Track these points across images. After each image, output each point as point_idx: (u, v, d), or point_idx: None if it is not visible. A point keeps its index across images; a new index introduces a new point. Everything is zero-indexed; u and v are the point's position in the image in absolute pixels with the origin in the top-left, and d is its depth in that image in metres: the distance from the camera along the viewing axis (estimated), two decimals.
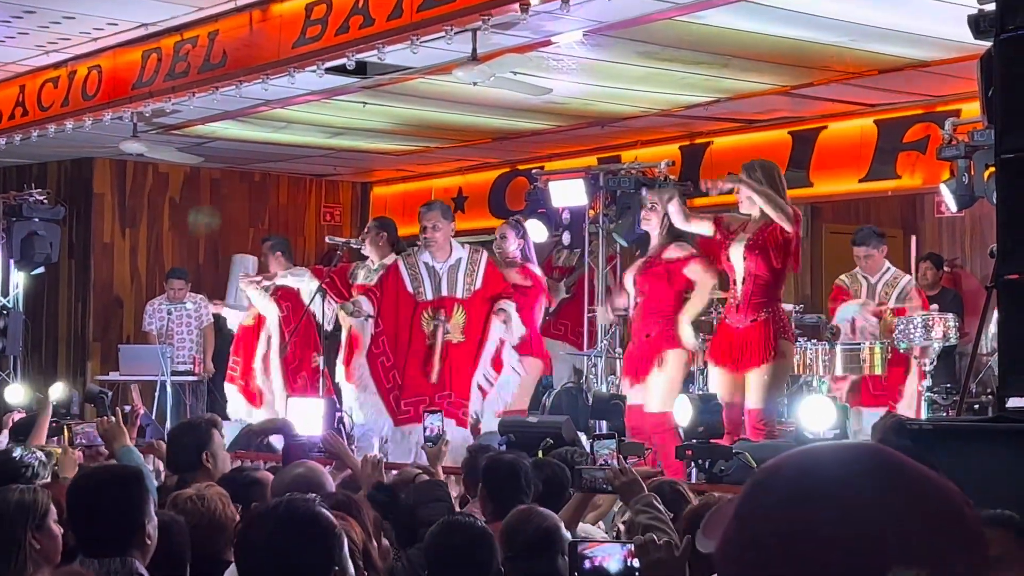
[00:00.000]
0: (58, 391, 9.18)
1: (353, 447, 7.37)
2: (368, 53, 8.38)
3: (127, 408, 9.72)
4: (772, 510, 1.17)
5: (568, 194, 10.35)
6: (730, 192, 8.04)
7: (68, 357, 13.55)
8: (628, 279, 8.72)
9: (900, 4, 7.97)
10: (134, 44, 9.97)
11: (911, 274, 9.53)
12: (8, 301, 12.05)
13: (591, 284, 10.47)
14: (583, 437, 8.06)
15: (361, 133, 12.36)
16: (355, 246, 10.03)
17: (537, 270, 9.91)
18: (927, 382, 8.38)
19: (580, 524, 4.73)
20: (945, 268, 10.57)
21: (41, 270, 12.35)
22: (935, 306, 9.02)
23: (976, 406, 8.23)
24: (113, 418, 5.50)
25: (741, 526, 1.19)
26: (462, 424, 8.57)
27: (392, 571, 4.13)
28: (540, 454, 6.39)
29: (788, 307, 8.46)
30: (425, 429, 6.48)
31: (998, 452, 4.13)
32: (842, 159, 11.12)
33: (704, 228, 8.11)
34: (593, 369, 10.15)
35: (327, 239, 11.03)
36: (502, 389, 8.98)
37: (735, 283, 7.87)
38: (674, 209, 8.11)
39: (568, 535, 4.06)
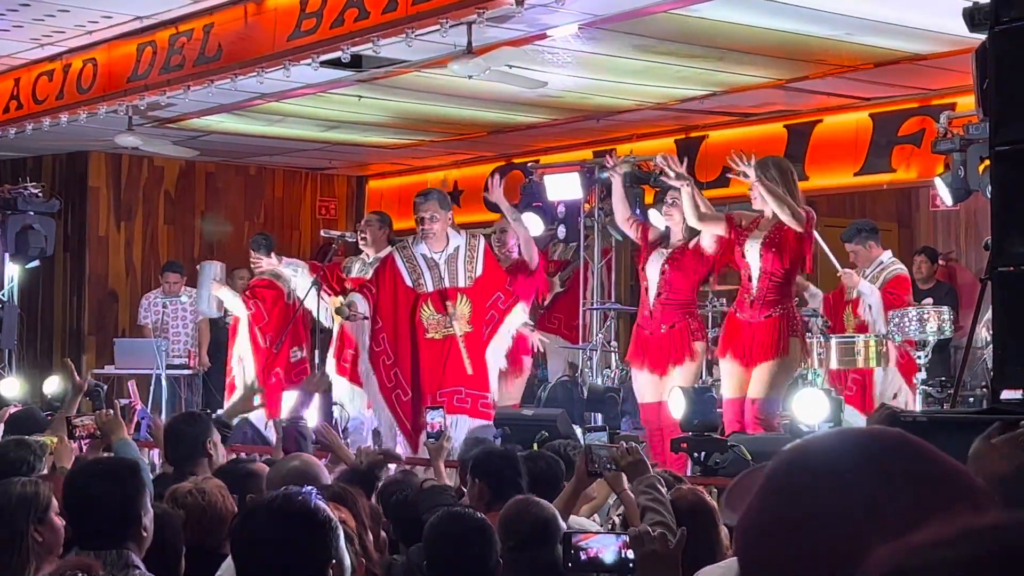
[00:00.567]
0: (53, 385, 9.18)
1: (347, 440, 7.37)
2: (363, 46, 8.37)
3: (123, 402, 9.75)
4: (800, 491, 1.18)
5: (563, 188, 10.36)
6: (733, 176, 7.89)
7: (63, 351, 13.54)
8: (654, 268, 8.41)
9: None
10: (129, 37, 9.97)
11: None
12: (3, 295, 12.03)
13: (586, 278, 10.47)
14: (578, 430, 8.07)
15: (356, 127, 12.35)
16: (351, 239, 9.98)
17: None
18: (922, 375, 8.39)
19: (574, 517, 4.73)
20: (940, 261, 10.58)
21: (36, 263, 12.32)
22: (929, 299, 9.02)
23: (971, 399, 8.25)
24: (111, 411, 5.51)
25: (765, 504, 1.21)
26: (486, 416, 8.23)
27: (390, 566, 4.14)
28: (535, 447, 6.40)
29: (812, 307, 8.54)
30: (427, 425, 6.47)
31: None
32: (837, 153, 11.12)
33: (717, 228, 8.03)
34: (588, 362, 10.17)
35: (322, 232, 11.01)
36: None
37: (749, 279, 7.82)
38: (688, 205, 7.98)
39: (564, 526, 4.07)
